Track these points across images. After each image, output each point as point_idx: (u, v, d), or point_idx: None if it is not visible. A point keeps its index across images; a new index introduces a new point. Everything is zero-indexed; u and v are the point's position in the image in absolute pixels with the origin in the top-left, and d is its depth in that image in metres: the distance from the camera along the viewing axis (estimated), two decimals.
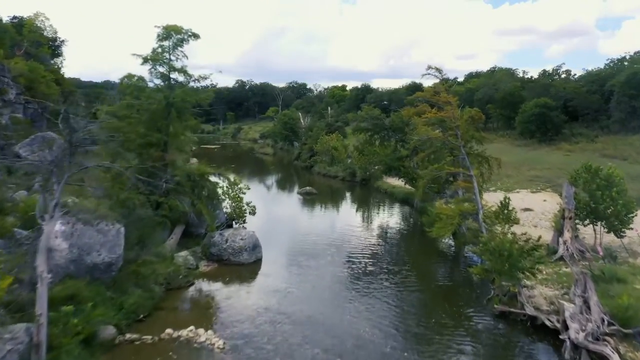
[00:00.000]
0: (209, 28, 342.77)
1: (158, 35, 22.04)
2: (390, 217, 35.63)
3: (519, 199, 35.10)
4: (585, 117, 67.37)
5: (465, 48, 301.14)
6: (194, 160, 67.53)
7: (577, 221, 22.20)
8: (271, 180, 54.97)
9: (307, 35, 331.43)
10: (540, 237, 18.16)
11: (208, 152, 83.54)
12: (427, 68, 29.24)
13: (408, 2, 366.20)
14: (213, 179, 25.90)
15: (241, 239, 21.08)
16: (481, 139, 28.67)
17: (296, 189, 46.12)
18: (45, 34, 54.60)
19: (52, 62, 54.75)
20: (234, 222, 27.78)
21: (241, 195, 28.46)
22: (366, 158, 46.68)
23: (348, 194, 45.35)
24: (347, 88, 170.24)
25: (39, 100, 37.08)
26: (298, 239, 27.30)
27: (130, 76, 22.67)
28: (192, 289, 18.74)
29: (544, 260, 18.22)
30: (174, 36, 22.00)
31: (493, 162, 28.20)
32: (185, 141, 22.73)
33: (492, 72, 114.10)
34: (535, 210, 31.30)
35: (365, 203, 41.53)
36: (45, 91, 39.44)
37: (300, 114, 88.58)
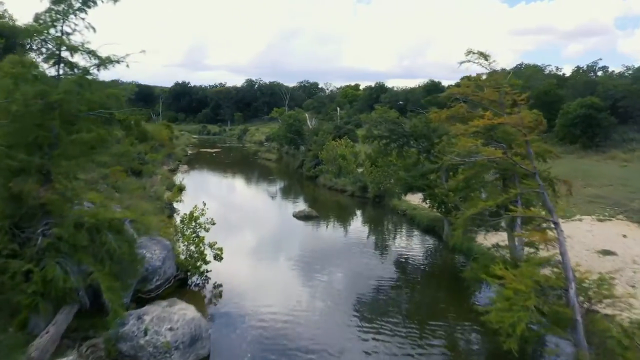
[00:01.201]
0: (222, 29, 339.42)
1: None
2: (410, 251, 26.94)
3: (586, 232, 26.11)
4: (637, 120, 57.69)
5: (480, 48, 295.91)
6: (184, 167, 59.78)
7: None
8: (266, 194, 46.30)
9: (321, 35, 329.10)
10: None
11: (205, 157, 75.59)
12: (466, 53, 20.43)
13: (423, 1, 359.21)
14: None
15: (170, 329, 12.73)
16: (549, 155, 19.82)
17: (295, 207, 37.65)
18: None
19: None
20: (188, 275, 19.46)
21: (203, 234, 20.14)
22: (380, 171, 38.04)
23: (357, 216, 36.63)
24: (361, 87, 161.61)
25: None
26: (283, 301, 18.79)
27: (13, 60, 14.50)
28: None
29: None
30: None
31: (560, 185, 19.48)
32: (80, 164, 14.42)
33: (519, 69, 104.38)
34: (618, 255, 22.25)
35: (378, 229, 32.83)
36: None
37: (307, 114, 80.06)
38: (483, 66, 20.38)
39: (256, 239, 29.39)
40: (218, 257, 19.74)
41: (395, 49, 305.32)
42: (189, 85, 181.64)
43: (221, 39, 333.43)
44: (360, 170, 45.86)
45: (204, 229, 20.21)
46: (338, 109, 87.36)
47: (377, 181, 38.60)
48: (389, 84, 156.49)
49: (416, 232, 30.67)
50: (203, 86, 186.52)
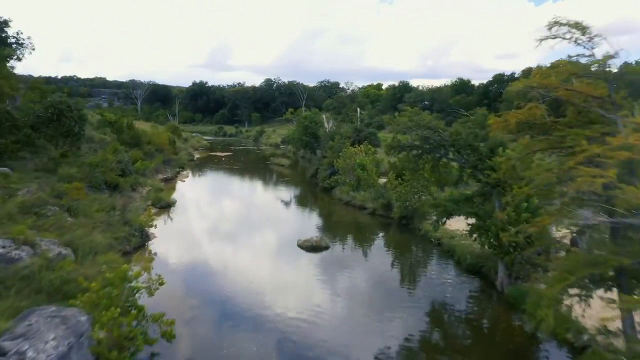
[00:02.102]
0: (246, 30, 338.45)
1: None
2: (449, 299, 19.76)
3: None
4: None
5: (506, 47, 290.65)
6: (185, 174, 53.57)
7: None
8: (269, 211, 39.30)
9: (343, 36, 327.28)
10: None
11: (213, 162, 69.53)
12: (550, 25, 13.37)
13: (447, 1, 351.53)
14: None
15: None
16: None
17: (302, 230, 30.85)
18: None
19: None
20: None
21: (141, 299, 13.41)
22: (408, 186, 30.90)
23: (378, 244, 29.40)
24: (383, 87, 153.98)
25: None
26: None
27: None
28: None
29: None
30: None
31: None
32: None
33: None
34: None
35: (405, 264, 25.54)
36: None
37: (324, 116, 73.11)
38: (579, 43, 13.19)
39: (239, 289, 21.49)
40: (167, 336, 12.99)
41: (419, 48, 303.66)
42: (206, 85, 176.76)
43: (244, 40, 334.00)
44: (382, 180, 38.74)
45: (148, 292, 13.48)
46: (358, 109, 79.99)
47: (403, 198, 31.44)
48: (413, 84, 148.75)
49: (456, 271, 23.41)
50: (221, 86, 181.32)
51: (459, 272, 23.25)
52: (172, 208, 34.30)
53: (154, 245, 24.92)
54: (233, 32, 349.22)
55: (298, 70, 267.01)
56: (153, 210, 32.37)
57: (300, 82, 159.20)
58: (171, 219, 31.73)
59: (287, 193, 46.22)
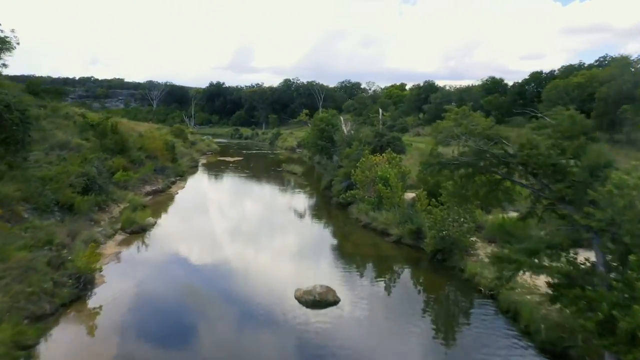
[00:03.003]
0: (269, 31, 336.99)
1: None
2: None
3: None
4: None
5: (531, 48, 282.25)
6: (180, 186, 47.04)
7: None
8: (267, 238, 31.42)
9: (365, 37, 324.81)
10: None
11: (220, 168, 63.10)
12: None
13: (470, 0, 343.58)
14: None
15: None
16: None
17: (304, 269, 23.75)
18: None
19: None
20: None
21: None
22: (445, 211, 23.55)
23: (405, 291, 21.88)
24: (407, 87, 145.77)
25: None
26: None
27: None
28: None
29: None
30: None
31: None
32: None
33: (602, 61, 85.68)
34: None
35: (441, 327, 18.14)
36: None
37: (342, 118, 65.87)
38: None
39: None
40: None
41: (441, 49, 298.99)
42: (223, 86, 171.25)
43: (267, 42, 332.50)
44: (409, 195, 31.34)
45: None
46: (380, 110, 72.45)
47: (439, 227, 24.01)
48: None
49: (523, 344, 15.91)
50: (239, 86, 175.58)
51: (528, 346, 15.74)
52: (147, 233, 27.54)
53: (96, 298, 18.10)
54: (256, 34, 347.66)
55: (320, 72, 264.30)
56: (119, 238, 25.78)
57: (321, 83, 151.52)
58: (139, 250, 24.94)
59: (294, 210, 39.01)
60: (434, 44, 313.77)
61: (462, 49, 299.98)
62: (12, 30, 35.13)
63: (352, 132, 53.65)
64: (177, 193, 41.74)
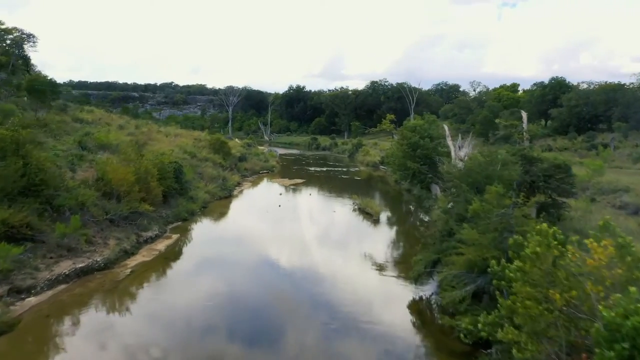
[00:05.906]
0: (361, 37, 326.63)
1: None
2: None
3: None
4: None
5: None
6: (159, 246, 29.51)
7: None
8: None
9: (461, 42, 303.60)
10: None
11: (256, 201, 45.59)
12: None
13: (576, 1, 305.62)
14: None
15: None
16: None
17: None
18: None
19: None
20: None
21: None
22: None
23: None
24: (520, 88, 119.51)
25: None
26: None
27: None
28: None
29: None
30: None
31: None
32: None
33: None
34: None
35: None
36: None
37: (446, 126, 45.22)
38: None
39: None
40: None
41: (543, 53, 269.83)
42: (303, 90, 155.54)
43: (359, 49, 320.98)
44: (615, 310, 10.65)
45: None
46: (524, 115, 50.60)
47: None
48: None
49: None
50: (320, 90, 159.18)
51: None
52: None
53: None
54: (348, 41, 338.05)
55: (412, 78, 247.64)
56: None
57: (412, 85, 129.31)
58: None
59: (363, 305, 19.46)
60: (535, 47, 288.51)
61: (566, 51, 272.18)
62: None
63: (465, 148, 32.98)
64: (177, 245, 24.01)
